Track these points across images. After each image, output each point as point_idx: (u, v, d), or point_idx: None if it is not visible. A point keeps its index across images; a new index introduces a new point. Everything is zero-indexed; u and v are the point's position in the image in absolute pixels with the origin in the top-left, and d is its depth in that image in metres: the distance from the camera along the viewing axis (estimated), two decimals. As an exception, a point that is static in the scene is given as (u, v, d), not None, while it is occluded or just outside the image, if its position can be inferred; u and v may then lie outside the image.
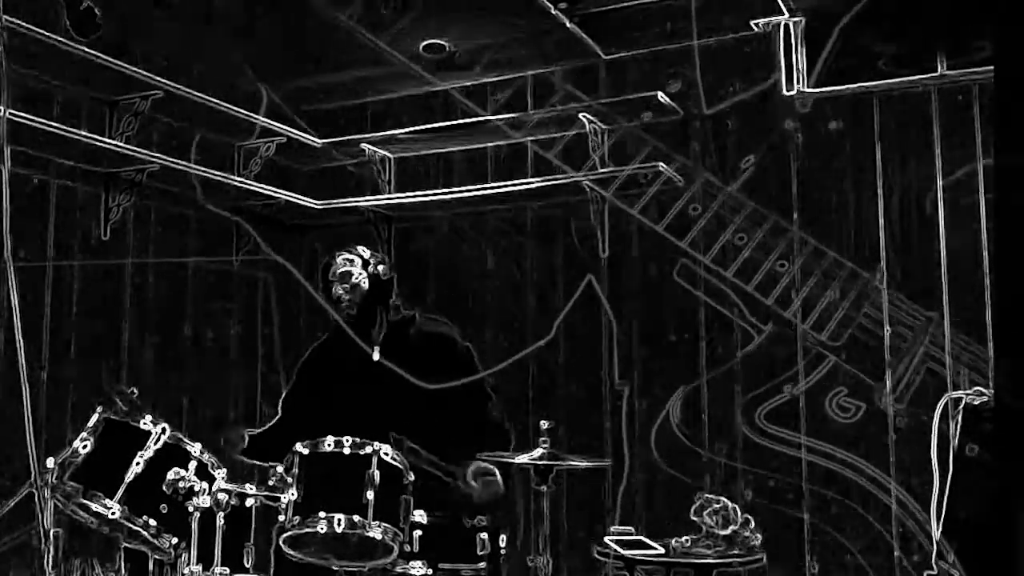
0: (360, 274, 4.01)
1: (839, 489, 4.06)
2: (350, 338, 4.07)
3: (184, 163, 5.07)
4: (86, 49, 4.46)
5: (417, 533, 3.53)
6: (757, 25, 5.09)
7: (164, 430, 3.40)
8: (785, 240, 4.16)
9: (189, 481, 3.36)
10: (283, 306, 5.86)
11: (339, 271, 4.03)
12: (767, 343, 4.22)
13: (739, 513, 4.37)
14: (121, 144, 4.79)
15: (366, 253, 4.09)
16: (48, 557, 3.07)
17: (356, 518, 3.30)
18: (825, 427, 4.04)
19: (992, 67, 3.83)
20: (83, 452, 3.33)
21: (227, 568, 3.41)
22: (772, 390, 4.16)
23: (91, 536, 3.98)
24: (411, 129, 5.71)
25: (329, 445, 3.42)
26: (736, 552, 4.31)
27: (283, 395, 4.28)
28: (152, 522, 3.33)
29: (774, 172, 4.32)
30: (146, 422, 3.40)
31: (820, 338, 4.09)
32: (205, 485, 3.38)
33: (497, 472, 3.76)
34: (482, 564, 3.66)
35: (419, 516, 3.54)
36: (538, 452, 3.65)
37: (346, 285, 4.00)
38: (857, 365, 4.06)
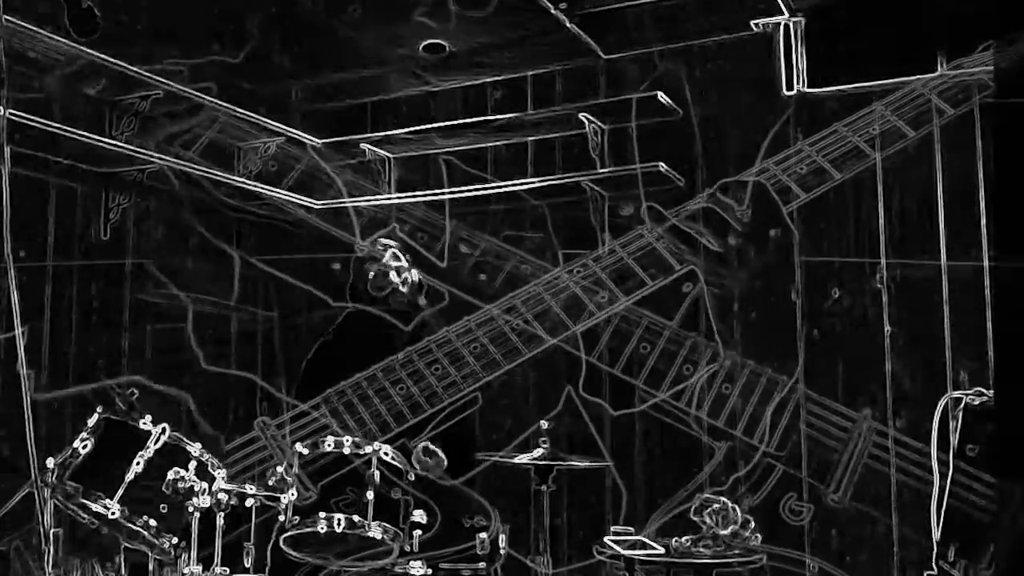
0: (414, 272, 4.59)
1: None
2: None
3: (184, 163, 5.06)
4: (86, 49, 4.46)
5: (417, 533, 3.54)
6: (757, 25, 5.09)
7: (164, 430, 3.41)
8: (724, 364, 4.58)
9: (189, 481, 3.36)
10: (283, 304, 5.85)
11: (404, 261, 4.57)
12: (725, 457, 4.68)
13: (739, 513, 4.37)
14: (121, 144, 4.79)
15: None
16: (48, 557, 3.07)
17: (356, 518, 3.31)
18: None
19: (992, 67, 3.84)
20: (83, 452, 3.33)
21: (227, 568, 3.41)
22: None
23: (91, 536, 3.98)
24: (411, 129, 5.70)
25: (329, 445, 3.42)
26: (736, 552, 4.31)
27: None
28: (152, 522, 3.33)
29: (719, 302, 4.74)
30: (146, 422, 3.40)
31: (768, 450, 4.47)
32: (205, 485, 3.38)
33: (440, 450, 3.84)
34: (482, 564, 3.67)
35: (419, 516, 3.55)
36: (538, 452, 3.66)
37: (407, 276, 4.54)
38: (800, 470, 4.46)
